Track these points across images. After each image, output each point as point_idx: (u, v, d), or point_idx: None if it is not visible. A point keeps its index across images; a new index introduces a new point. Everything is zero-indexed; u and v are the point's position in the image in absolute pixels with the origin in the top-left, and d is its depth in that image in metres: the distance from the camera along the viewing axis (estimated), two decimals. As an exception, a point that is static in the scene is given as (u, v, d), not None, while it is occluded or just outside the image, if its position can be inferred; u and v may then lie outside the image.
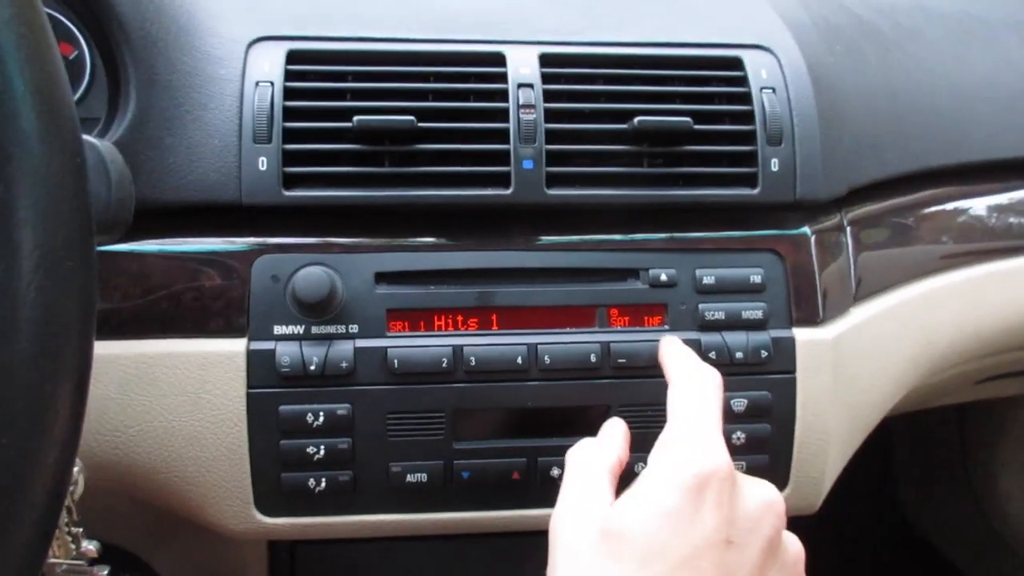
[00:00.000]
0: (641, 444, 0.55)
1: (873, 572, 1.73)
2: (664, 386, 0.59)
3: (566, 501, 0.49)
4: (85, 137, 0.40)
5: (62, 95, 0.33)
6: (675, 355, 0.57)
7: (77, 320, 0.32)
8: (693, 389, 0.51)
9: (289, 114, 0.60)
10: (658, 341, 0.62)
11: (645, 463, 0.48)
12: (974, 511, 1.59)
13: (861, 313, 0.71)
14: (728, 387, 0.61)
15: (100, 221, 0.37)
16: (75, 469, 0.53)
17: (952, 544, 1.68)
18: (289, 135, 0.60)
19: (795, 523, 0.75)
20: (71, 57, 0.68)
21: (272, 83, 0.60)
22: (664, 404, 0.59)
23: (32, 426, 0.30)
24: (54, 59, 0.32)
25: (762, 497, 0.47)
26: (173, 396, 0.59)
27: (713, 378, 0.52)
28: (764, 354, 0.64)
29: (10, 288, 0.29)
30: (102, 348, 0.57)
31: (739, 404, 0.64)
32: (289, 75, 0.61)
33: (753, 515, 0.46)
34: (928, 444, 1.66)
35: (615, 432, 0.55)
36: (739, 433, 0.64)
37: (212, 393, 0.59)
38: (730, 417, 0.63)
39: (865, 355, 0.70)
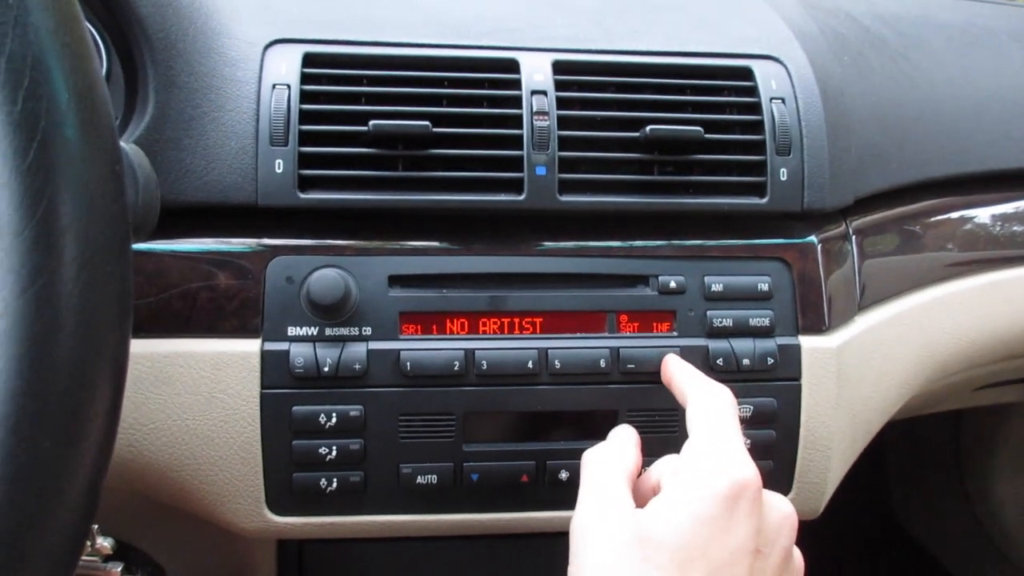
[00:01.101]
0: (648, 449, 0.57)
1: (865, 574, 1.74)
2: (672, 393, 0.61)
3: (588, 505, 0.50)
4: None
5: (103, 103, 0.33)
6: (687, 372, 0.58)
7: (115, 324, 0.32)
8: (713, 404, 0.52)
9: (305, 117, 0.60)
10: (666, 348, 0.63)
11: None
12: (968, 516, 1.60)
13: (865, 321, 0.71)
14: (735, 393, 0.62)
15: (131, 222, 0.37)
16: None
17: (945, 549, 1.69)
18: (305, 138, 0.60)
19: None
20: (87, 56, 0.68)
21: (289, 86, 0.61)
22: (672, 410, 0.61)
23: (72, 430, 0.30)
24: (95, 67, 0.33)
25: (783, 509, 0.49)
26: (187, 395, 0.59)
27: (730, 394, 0.54)
28: (770, 361, 0.65)
29: (53, 295, 0.29)
30: (117, 347, 0.59)
31: (745, 410, 0.64)
32: (305, 78, 0.61)
33: (776, 526, 0.48)
34: (922, 449, 1.68)
35: (628, 437, 0.55)
36: (744, 439, 0.63)
37: (226, 393, 0.60)
38: None
39: (868, 362, 0.71)
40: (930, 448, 1.64)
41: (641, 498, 0.51)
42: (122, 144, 0.43)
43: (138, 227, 0.45)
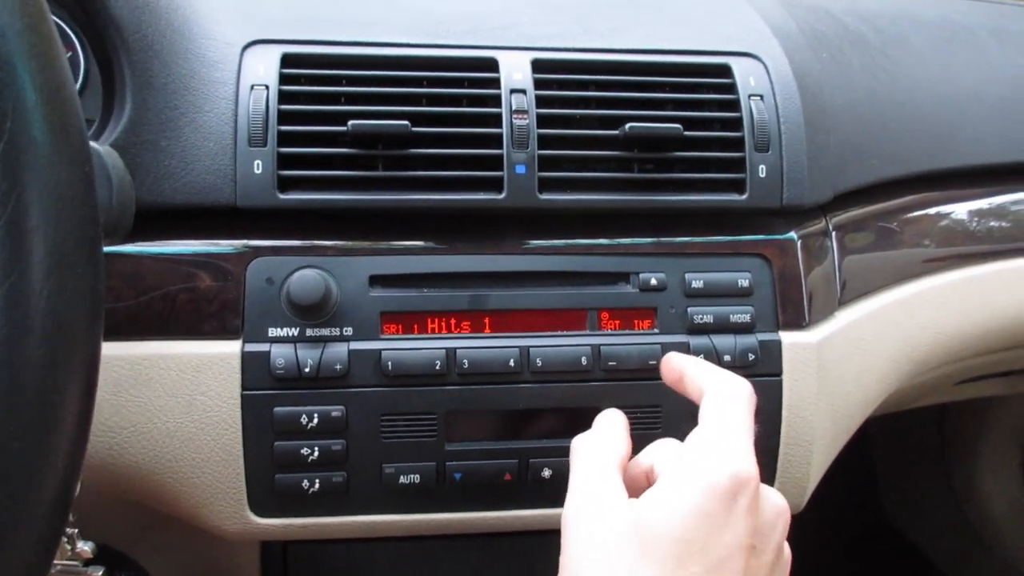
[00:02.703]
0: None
1: (853, 570, 1.75)
2: (655, 389, 0.61)
3: (580, 495, 0.49)
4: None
5: (72, 104, 0.33)
6: (700, 363, 0.57)
7: (86, 326, 0.32)
8: (730, 396, 0.51)
9: (284, 117, 0.60)
10: (647, 345, 0.64)
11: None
12: (954, 510, 1.61)
13: (845, 316, 0.72)
14: None
15: (103, 225, 0.37)
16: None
17: (932, 542, 1.70)
18: (284, 138, 0.60)
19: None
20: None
21: (267, 86, 0.61)
22: (654, 407, 0.62)
23: (43, 432, 0.30)
24: (63, 67, 0.33)
25: (778, 505, 0.48)
26: (168, 397, 0.59)
27: (748, 387, 0.52)
28: (751, 357, 0.65)
29: (22, 295, 0.29)
30: (97, 350, 0.59)
31: None
32: (284, 78, 0.61)
33: (771, 523, 0.47)
34: (908, 444, 1.69)
35: (617, 423, 0.54)
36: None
37: (206, 395, 0.59)
38: None
39: (849, 357, 0.71)
40: (915, 443, 1.65)
41: (633, 484, 0.50)
42: (95, 146, 0.43)
43: (112, 229, 0.45)
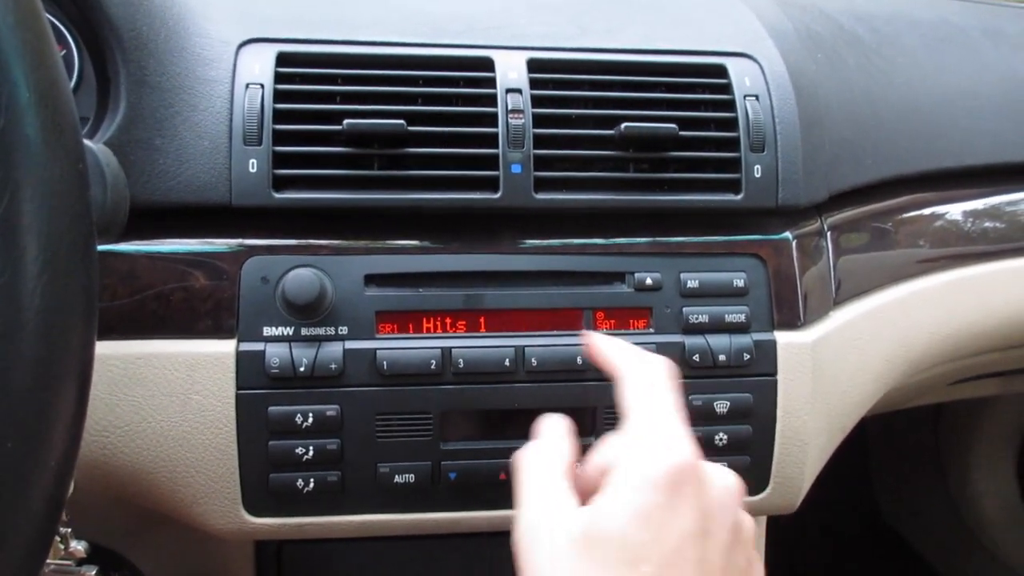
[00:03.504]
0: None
1: (848, 568, 1.76)
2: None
3: (530, 509, 0.48)
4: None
5: (65, 101, 0.33)
6: (615, 347, 0.54)
7: (80, 324, 0.32)
8: (647, 382, 0.50)
9: (279, 116, 0.60)
10: (642, 344, 0.62)
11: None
12: (948, 508, 1.61)
13: (840, 316, 0.72)
14: (711, 389, 0.64)
15: (97, 224, 0.37)
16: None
17: (926, 541, 1.70)
18: (279, 137, 0.60)
19: (773, 520, 0.77)
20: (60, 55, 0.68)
21: (262, 85, 0.60)
22: None
23: (37, 430, 0.30)
24: (57, 64, 0.33)
25: (725, 483, 0.47)
26: (162, 397, 0.59)
27: (664, 367, 0.51)
28: (746, 357, 0.65)
29: (15, 293, 0.29)
30: (91, 349, 0.59)
31: (722, 406, 0.65)
32: (279, 77, 0.61)
33: (721, 502, 0.46)
34: (903, 443, 1.69)
35: (557, 429, 0.53)
36: (721, 434, 0.65)
37: (201, 394, 0.59)
38: (713, 418, 0.65)
39: (844, 357, 0.71)
40: (910, 443, 1.66)
41: (586, 487, 0.49)
42: (89, 144, 0.43)
43: (106, 227, 0.45)
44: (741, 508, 0.48)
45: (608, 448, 0.51)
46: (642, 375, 0.50)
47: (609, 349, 0.55)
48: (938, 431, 1.60)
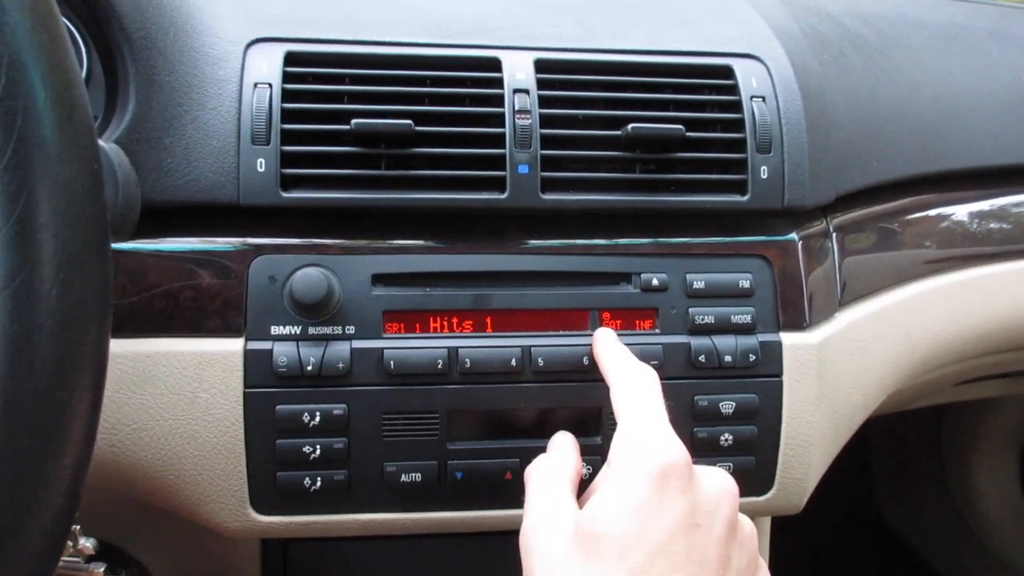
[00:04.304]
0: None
1: (848, 569, 1.76)
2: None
3: (534, 515, 0.51)
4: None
5: (81, 103, 0.33)
6: (612, 355, 0.58)
7: (95, 323, 0.32)
8: (636, 389, 0.53)
9: (287, 116, 0.60)
10: (649, 345, 0.64)
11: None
12: (949, 510, 1.61)
13: (846, 317, 0.72)
14: (717, 390, 0.64)
15: (110, 223, 0.37)
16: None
17: (928, 542, 1.70)
18: (287, 137, 0.60)
19: (774, 521, 0.77)
20: (68, 55, 0.68)
21: (270, 84, 0.61)
22: None
23: (54, 429, 0.30)
24: (73, 66, 0.33)
25: (718, 482, 0.49)
26: (170, 395, 0.59)
27: (652, 377, 0.54)
28: (752, 358, 0.65)
29: (32, 292, 0.29)
30: (99, 347, 0.59)
31: (727, 407, 0.65)
32: (287, 77, 0.61)
33: (713, 498, 0.48)
34: (905, 444, 1.69)
35: (567, 445, 0.57)
36: (727, 435, 0.65)
37: (209, 392, 0.59)
38: (718, 419, 0.65)
39: (849, 358, 0.71)
40: (913, 443, 1.66)
41: (589, 495, 0.52)
42: (101, 143, 0.43)
43: (118, 226, 0.45)
44: (736, 508, 0.50)
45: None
46: (633, 382, 0.54)
47: (605, 352, 0.58)
48: (940, 431, 1.60)
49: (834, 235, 0.73)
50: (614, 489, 0.47)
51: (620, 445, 0.50)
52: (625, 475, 0.47)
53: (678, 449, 0.48)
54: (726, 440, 0.65)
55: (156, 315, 0.60)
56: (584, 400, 0.63)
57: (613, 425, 0.54)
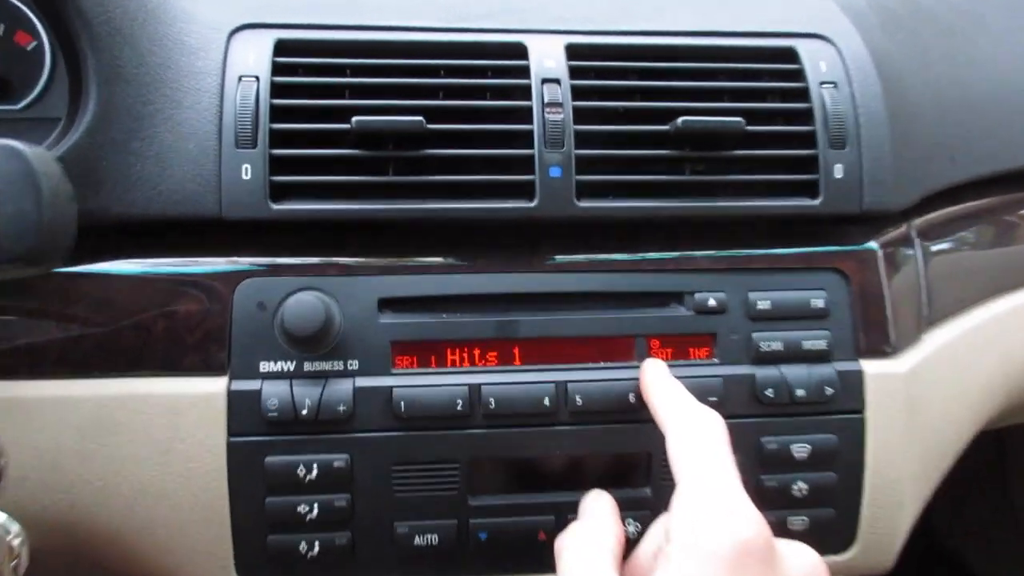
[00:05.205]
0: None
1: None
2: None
3: None
4: (8, 142, 0.31)
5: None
6: (664, 392, 0.51)
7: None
8: (700, 439, 0.46)
9: (277, 114, 0.55)
10: (706, 377, 0.56)
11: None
12: (1013, 531, 1.52)
13: (935, 339, 0.63)
14: (787, 430, 0.57)
15: (25, 248, 0.28)
16: (14, 539, 0.44)
17: (986, 561, 1.61)
18: (277, 138, 0.54)
19: None
20: (28, 48, 0.61)
21: (257, 78, 0.55)
22: None
23: None
24: None
25: (807, 562, 0.42)
26: (140, 446, 0.53)
27: (718, 424, 0.47)
28: (829, 391, 0.58)
29: None
30: (58, 389, 0.52)
31: (801, 450, 0.57)
32: (277, 68, 0.56)
33: None
34: (963, 459, 1.59)
35: (603, 507, 0.51)
36: (800, 483, 0.58)
37: (186, 442, 0.53)
38: (790, 465, 0.58)
39: (940, 388, 0.63)
40: (973, 464, 1.55)
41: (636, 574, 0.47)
42: (19, 146, 0.34)
43: (40, 252, 0.36)
44: None
45: (659, 529, 0.48)
46: (694, 430, 0.46)
47: (655, 389, 0.52)
48: (1004, 448, 1.50)
49: (917, 242, 0.64)
50: (680, 571, 0.40)
51: (683, 516, 0.42)
52: (691, 557, 0.40)
53: (756, 522, 0.41)
54: (800, 490, 0.58)
55: (125, 351, 0.53)
56: (631, 445, 0.56)
57: (666, 474, 0.47)
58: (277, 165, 0.54)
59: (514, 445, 0.55)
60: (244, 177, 0.53)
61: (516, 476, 0.56)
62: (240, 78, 0.55)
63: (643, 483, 0.56)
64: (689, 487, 0.43)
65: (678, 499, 0.43)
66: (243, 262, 0.55)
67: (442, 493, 0.55)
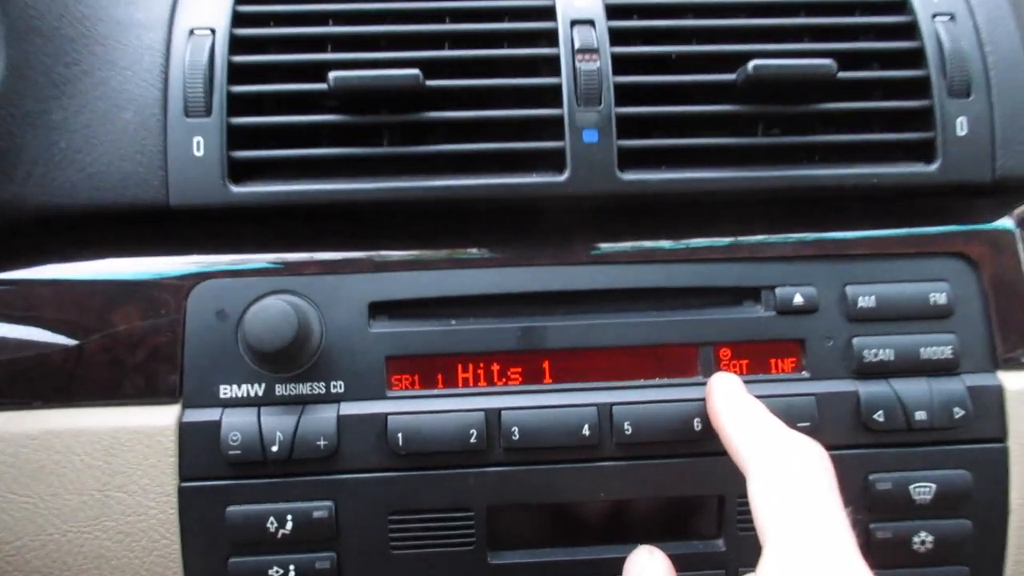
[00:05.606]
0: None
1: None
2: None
3: None
4: None
5: None
6: (742, 417, 0.43)
7: None
8: (795, 480, 0.38)
9: (237, 73, 0.48)
10: (792, 396, 0.48)
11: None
12: None
13: (1091, 344, 0.53)
14: (904, 464, 0.49)
15: None
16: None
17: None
18: (237, 104, 0.48)
19: None
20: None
21: (212, 30, 0.48)
22: None
23: None
24: None
25: None
26: (69, 495, 0.46)
27: (820, 457, 0.39)
28: (958, 413, 0.49)
29: None
30: (-36, 425, 0.45)
31: (924, 491, 0.49)
32: (239, 18, 0.49)
33: None
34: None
35: (657, 569, 0.43)
36: (923, 534, 0.49)
37: (126, 490, 0.46)
38: (909, 510, 0.49)
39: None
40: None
41: None
42: None
43: None
44: None
45: None
46: (783, 472, 0.39)
47: (726, 415, 0.44)
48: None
49: (1064, 219, 0.56)
50: None
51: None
52: None
53: None
54: (923, 542, 0.49)
55: (50, 375, 0.47)
56: (696, 486, 0.48)
57: (744, 522, 0.43)
58: (237, 137, 0.48)
59: (544, 487, 0.48)
60: (196, 153, 0.47)
61: (547, 527, 0.49)
62: (192, 31, 0.48)
63: (713, 533, 0.48)
64: (783, 549, 0.35)
65: (767, 566, 0.35)
66: (198, 261, 0.49)
67: (454, 549, 0.48)
